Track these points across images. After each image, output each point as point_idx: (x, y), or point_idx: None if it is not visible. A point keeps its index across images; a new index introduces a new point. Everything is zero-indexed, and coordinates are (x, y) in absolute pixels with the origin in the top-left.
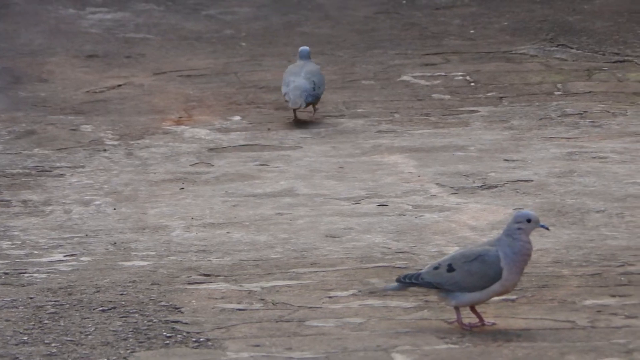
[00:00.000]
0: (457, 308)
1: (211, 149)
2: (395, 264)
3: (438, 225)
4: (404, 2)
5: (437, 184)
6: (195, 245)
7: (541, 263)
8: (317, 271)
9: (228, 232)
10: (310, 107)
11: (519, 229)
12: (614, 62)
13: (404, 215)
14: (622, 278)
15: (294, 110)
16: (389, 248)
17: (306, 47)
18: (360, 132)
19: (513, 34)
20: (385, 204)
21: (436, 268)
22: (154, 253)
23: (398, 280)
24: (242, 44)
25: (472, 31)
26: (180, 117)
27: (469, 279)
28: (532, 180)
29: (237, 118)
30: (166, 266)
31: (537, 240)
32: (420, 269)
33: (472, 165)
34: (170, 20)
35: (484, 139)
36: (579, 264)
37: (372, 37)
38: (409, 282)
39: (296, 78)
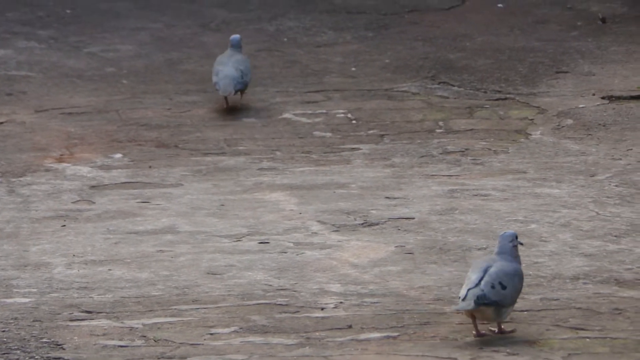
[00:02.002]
0: (500, 322)
1: (93, 187)
2: (277, 301)
3: (319, 263)
4: (285, 40)
5: (318, 221)
6: (77, 282)
7: (423, 300)
8: (198, 308)
9: (110, 269)
10: (238, 95)
11: (514, 246)
12: (495, 100)
13: (285, 252)
14: None
15: (225, 98)
16: (270, 285)
17: (237, 36)
18: (242, 169)
19: (394, 72)
20: (266, 241)
21: (493, 287)
22: (35, 290)
23: (474, 301)
24: (124, 81)
25: (353, 69)
26: (62, 155)
27: (515, 294)
28: (413, 218)
29: (119, 155)
30: (48, 303)
31: (419, 277)
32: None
33: (354, 203)
34: (51, 57)
35: (366, 176)
36: None
37: (253, 75)
38: (482, 302)
39: (225, 67)
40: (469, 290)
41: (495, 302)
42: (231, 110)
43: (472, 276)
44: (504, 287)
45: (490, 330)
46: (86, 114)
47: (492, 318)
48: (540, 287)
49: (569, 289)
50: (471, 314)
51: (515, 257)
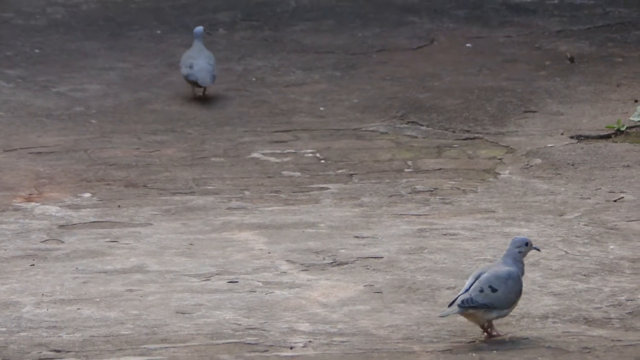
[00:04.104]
0: (491, 322)
1: (62, 226)
2: (246, 340)
3: (288, 302)
4: (254, 79)
5: (287, 260)
6: (46, 321)
7: (392, 339)
8: (167, 347)
9: (79, 308)
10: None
11: (520, 252)
12: (464, 139)
13: (254, 291)
14: (473, 354)
15: (201, 87)
16: (239, 324)
17: (200, 27)
18: (211, 209)
19: (363, 111)
20: (235, 280)
21: (481, 291)
22: (4, 329)
23: (459, 305)
24: (93, 121)
25: (322, 108)
26: (30, 194)
27: (509, 296)
28: (382, 257)
29: (88, 195)
30: (17, 342)
31: (388, 316)
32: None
33: (323, 242)
34: (20, 97)
35: (334, 216)
36: (430, 340)
37: (222, 115)
38: (467, 305)
39: (198, 61)
40: (458, 296)
41: (484, 305)
42: (199, 150)
43: (466, 283)
44: (494, 290)
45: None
46: (55, 154)
47: (483, 320)
48: (509, 326)
49: (538, 327)
50: (467, 318)
51: (517, 262)
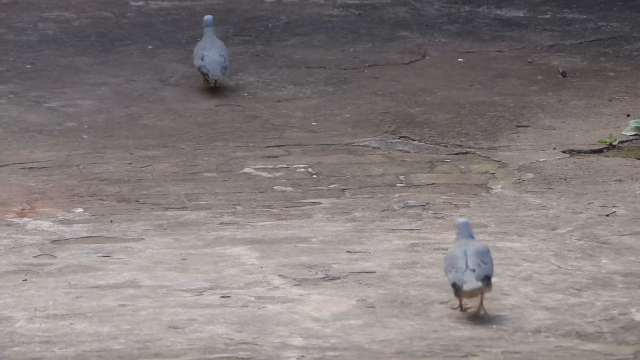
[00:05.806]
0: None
1: (54, 241)
2: (239, 354)
3: (281, 317)
4: (246, 94)
5: (279, 275)
6: (39, 336)
7: (384, 354)
8: None
9: (71, 323)
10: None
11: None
12: (456, 154)
13: (246, 306)
14: None
15: (214, 81)
16: (232, 339)
17: (209, 16)
18: (203, 224)
19: (355, 126)
20: (228, 295)
21: (480, 265)
22: None
23: (483, 280)
24: (84, 136)
25: (314, 123)
26: (22, 210)
27: (492, 268)
28: (374, 272)
29: (80, 210)
30: (10, 357)
31: (381, 331)
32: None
33: (315, 257)
34: (12, 112)
35: (327, 230)
36: (423, 354)
37: (213, 130)
38: (488, 279)
39: (209, 52)
40: (463, 273)
41: (488, 277)
42: (191, 165)
43: (459, 262)
44: (485, 263)
45: (466, 308)
46: (47, 169)
47: (487, 292)
48: (502, 341)
49: (530, 342)
50: (470, 294)
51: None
